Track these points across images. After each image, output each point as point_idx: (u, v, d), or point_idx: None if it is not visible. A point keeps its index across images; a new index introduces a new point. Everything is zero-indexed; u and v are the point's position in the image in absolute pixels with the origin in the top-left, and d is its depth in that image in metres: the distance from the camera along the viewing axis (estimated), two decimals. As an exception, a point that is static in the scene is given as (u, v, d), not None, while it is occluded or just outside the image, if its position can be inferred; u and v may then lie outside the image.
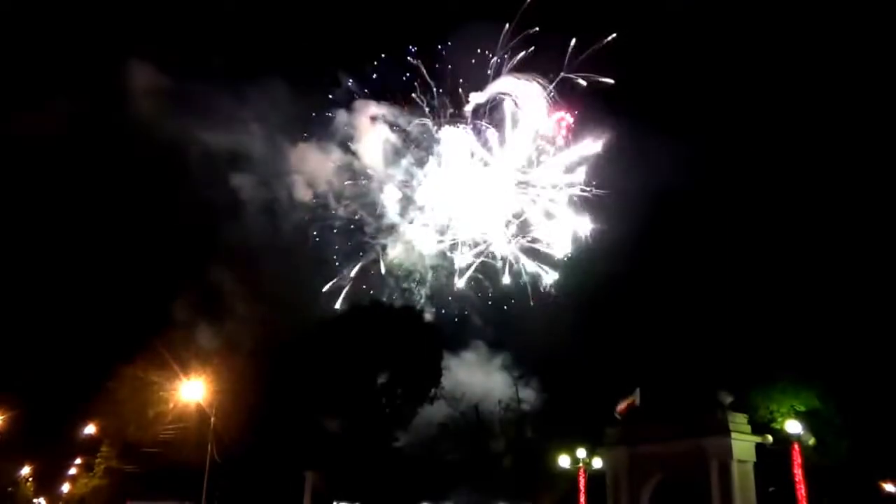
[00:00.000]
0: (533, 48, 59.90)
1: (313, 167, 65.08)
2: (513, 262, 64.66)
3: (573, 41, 59.44)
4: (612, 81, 59.32)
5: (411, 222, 64.95)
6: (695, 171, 57.85)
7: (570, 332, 57.80)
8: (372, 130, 64.18)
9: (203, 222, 63.37)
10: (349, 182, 65.16)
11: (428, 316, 63.45)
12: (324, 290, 63.99)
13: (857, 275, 48.22)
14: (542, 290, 63.70)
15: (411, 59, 61.69)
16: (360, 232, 65.70)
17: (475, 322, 66.29)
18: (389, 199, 64.74)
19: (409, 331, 57.56)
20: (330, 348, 54.85)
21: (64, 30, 64.05)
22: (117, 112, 64.22)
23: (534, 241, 64.20)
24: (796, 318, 45.83)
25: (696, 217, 59.12)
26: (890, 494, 41.67)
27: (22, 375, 60.86)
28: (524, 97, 61.41)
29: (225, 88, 64.18)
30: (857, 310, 45.26)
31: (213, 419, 41.53)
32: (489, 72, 61.08)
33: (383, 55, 63.39)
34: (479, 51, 60.89)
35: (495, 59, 60.29)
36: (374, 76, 64.21)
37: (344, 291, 64.49)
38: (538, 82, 60.65)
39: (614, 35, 58.37)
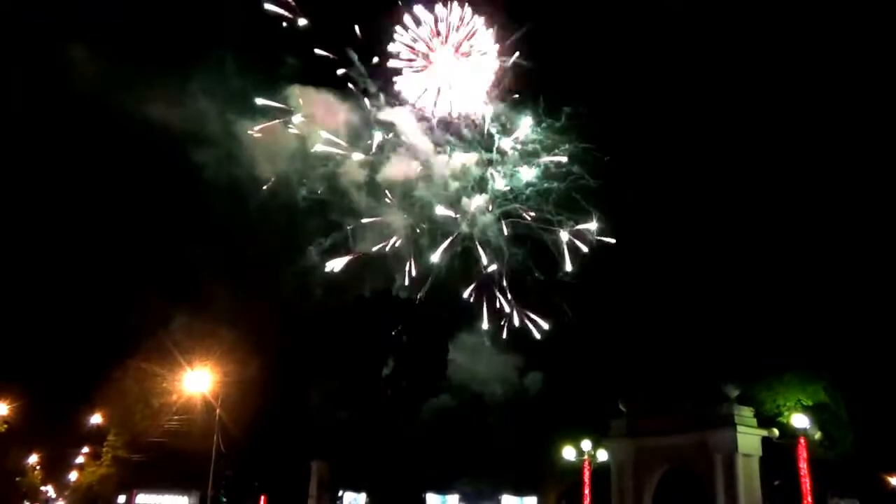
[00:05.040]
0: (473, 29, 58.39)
1: (271, 145, 63.21)
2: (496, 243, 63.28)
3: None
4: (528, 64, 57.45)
5: (387, 202, 63.11)
6: (699, 165, 57.56)
7: (574, 324, 57.52)
8: (323, 110, 62.42)
9: (179, 208, 62.22)
10: (309, 160, 63.27)
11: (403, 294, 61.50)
12: (296, 270, 62.13)
13: (863, 269, 47.91)
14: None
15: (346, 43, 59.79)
16: (326, 212, 63.93)
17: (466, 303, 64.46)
18: (352, 179, 62.95)
19: (414, 322, 57.48)
20: (336, 338, 54.89)
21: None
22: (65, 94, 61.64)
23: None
24: (803, 311, 45.56)
25: (701, 209, 58.78)
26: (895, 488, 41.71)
27: (29, 365, 61.27)
28: (460, 77, 59.96)
29: (172, 65, 62.00)
30: (863, 304, 45.00)
31: (218, 409, 41.70)
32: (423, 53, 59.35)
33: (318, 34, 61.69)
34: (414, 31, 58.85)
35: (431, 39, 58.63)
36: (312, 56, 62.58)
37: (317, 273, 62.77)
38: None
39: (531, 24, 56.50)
